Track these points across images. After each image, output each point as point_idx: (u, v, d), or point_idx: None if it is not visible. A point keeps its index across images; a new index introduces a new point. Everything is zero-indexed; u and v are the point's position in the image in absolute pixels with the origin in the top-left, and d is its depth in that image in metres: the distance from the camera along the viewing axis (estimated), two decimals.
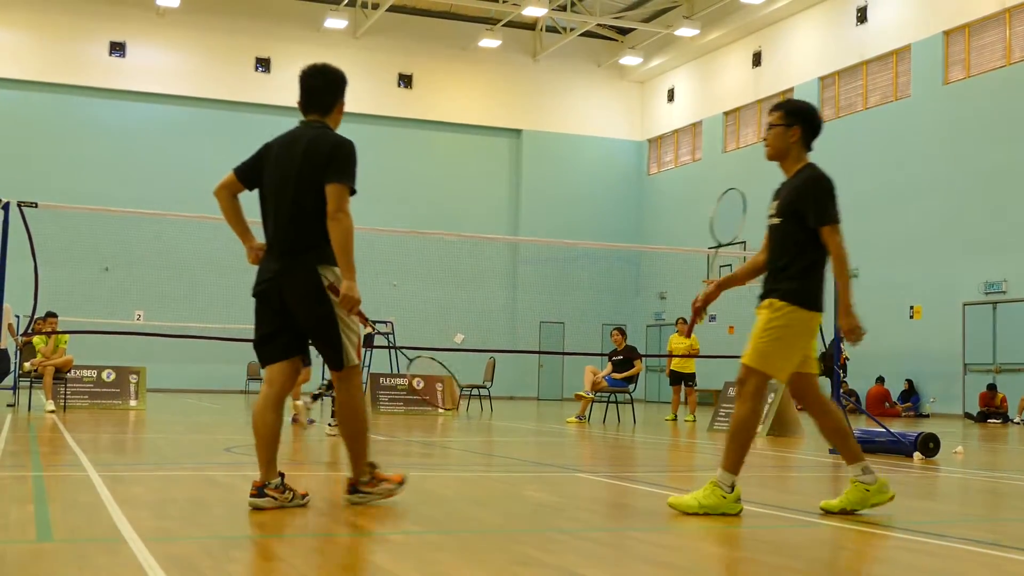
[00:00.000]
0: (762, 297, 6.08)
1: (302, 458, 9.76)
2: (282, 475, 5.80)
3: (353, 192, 5.67)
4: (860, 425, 13.44)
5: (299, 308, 5.69)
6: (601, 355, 19.61)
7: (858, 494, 5.97)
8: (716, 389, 24.15)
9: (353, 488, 5.95)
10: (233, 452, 9.84)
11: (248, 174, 5.96)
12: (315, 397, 14.61)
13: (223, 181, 6.02)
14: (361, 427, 5.89)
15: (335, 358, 5.78)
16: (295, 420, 14.09)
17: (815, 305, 5.97)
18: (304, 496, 5.86)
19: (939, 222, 25.76)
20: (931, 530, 5.67)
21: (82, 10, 32.77)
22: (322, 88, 5.93)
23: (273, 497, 5.69)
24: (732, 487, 5.84)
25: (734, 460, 5.88)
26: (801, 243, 5.96)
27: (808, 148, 6.18)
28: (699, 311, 6.52)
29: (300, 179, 5.68)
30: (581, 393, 18.18)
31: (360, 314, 5.79)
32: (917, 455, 10.50)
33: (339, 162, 5.64)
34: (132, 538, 4.70)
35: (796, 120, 6.12)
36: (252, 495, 5.68)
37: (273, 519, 5.52)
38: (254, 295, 5.81)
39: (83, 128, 32.72)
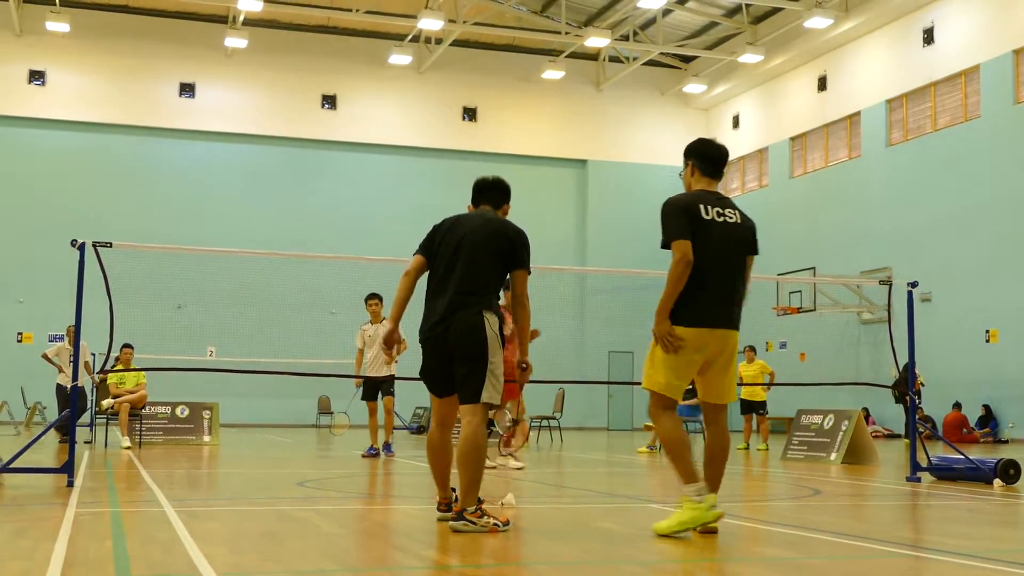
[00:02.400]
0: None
1: (386, 491, 9.78)
2: (480, 501, 6.28)
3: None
4: (937, 452, 13.18)
5: (460, 343, 6.37)
6: None
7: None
8: (788, 417, 23.85)
9: (459, 515, 6.23)
10: (305, 487, 9.90)
11: (430, 250, 6.73)
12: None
13: (415, 265, 6.75)
14: (479, 459, 6.30)
15: (475, 392, 6.33)
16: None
17: (678, 321, 6.34)
18: (506, 523, 6.33)
19: (1014, 244, 25.29)
20: (1015, 559, 5.55)
21: (152, 53, 33.40)
22: (497, 189, 6.94)
23: (471, 521, 6.17)
24: (698, 493, 6.15)
25: (682, 471, 6.24)
26: None
27: (704, 175, 6.67)
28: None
29: (485, 250, 6.55)
30: (651, 424, 18.04)
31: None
32: (997, 482, 10.29)
33: (525, 250, 6.65)
34: (209, 573, 4.73)
35: (687, 158, 6.76)
36: (452, 519, 6.26)
37: (348, 553, 5.54)
38: (427, 338, 6.54)
39: (155, 168, 33.28)
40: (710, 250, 6.36)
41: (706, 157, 6.66)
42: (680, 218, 6.42)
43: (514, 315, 6.66)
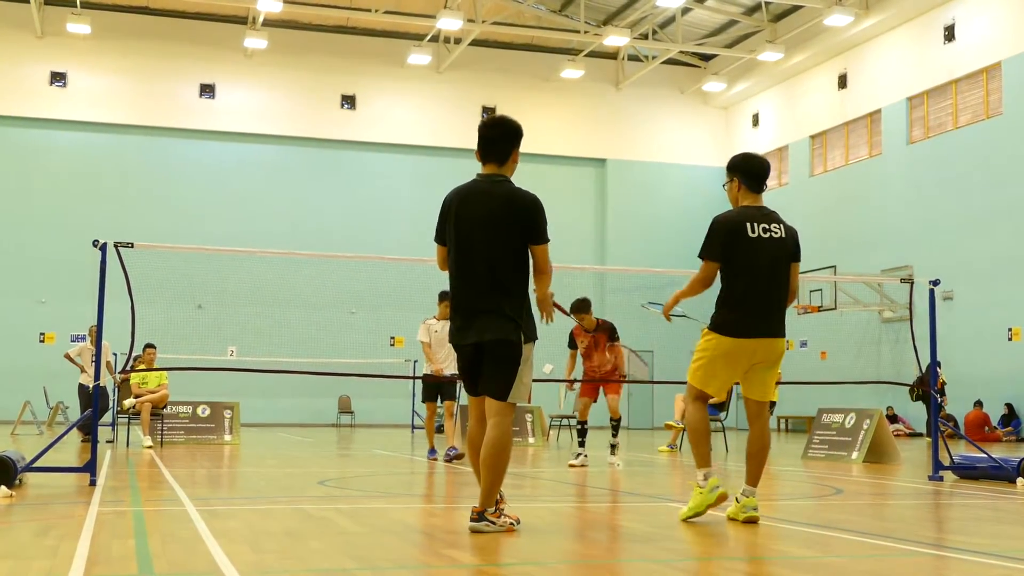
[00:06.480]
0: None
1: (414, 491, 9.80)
2: (499, 499, 6.25)
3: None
4: (960, 451, 13.11)
5: (490, 353, 6.24)
6: None
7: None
8: (809, 416, 23.78)
9: (480, 516, 6.19)
10: (326, 486, 9.93)
11: (444, 236, 6.47)
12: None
13: (442, 257, 6.53)
14: (504, 462, 6.22)
15: (503, 390, 6.22)
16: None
17: (725, 331, 6.87)
18: (517, 521, 6.32)
19: None
20: None
21: (173, 54, 33.52)
22: (499, 138, 6.50)
23: (491, 522, 6.15)
24: (705, 478, 6.75)
25: (696, 456, 6.87)
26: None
27: (750, 191, 7.11)
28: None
29: (501, 233, 6.26)
30: (671, 423, 18.05)
31: (558, 306, 6.82)
32: (1020, 481, 10.24)
33: (543, 223, 6.33)
34: (231, 572, 4.75)
35: (731, 173, 7.15)
36: (472, 519, 6.17)
37: (369, 551, 5.55)
38: (456, 344, 6.41)
39: (175, 169, 33.40)
40: (757, 266, 6.81)
41: (751, 173, 7.06)
42: (719, 238, 6.88)
43: (536, 284, 6.41)
